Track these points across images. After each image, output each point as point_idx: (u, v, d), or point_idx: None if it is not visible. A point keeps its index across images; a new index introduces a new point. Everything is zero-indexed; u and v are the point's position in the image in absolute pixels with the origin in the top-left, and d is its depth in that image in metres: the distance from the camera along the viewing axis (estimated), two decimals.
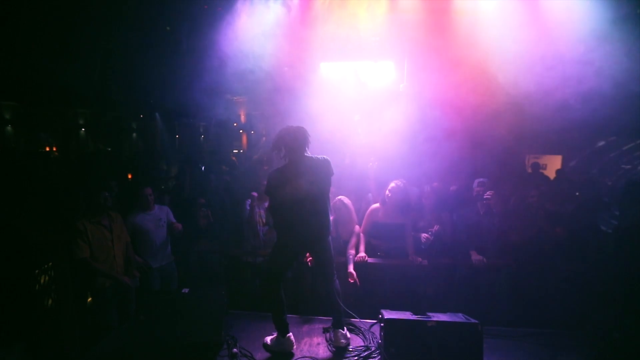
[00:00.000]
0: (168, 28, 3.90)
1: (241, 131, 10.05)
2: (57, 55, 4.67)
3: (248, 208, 4.08)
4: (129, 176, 7.14)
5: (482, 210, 3.67)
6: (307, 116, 5.25)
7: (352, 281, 3.20)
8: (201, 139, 13.17)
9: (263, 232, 4.10)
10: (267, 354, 2.71)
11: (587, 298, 3.18)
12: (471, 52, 3.72)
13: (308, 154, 2.64)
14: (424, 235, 3.62)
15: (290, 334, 2.76)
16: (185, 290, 2.88)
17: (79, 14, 4.10)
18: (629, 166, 6.43)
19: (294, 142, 2.58)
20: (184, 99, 5.86)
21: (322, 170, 2.63)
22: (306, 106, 5.24)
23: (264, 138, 10.67)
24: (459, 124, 4.42)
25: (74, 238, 3.02)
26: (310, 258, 3.35)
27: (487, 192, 3.64)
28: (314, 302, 3.49)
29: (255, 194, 4.11)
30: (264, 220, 4.05)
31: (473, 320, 2.48)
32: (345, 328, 2.82)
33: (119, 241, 3.27)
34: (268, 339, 2.80)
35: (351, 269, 3.25)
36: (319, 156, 2.67)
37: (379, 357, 2.61)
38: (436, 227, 3.68)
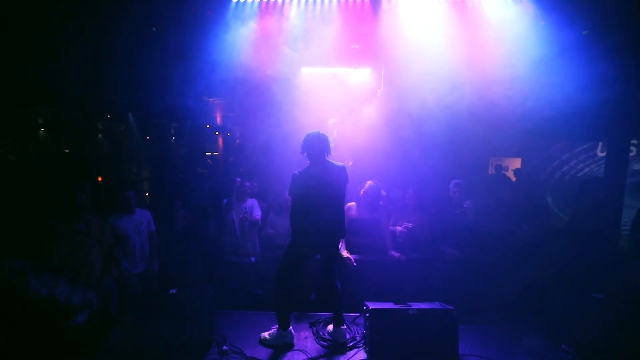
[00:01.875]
0: (154, 29, 3.84)
1: (217, 133, 9.89)
2: (19, 49, 4.40)
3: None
4: (99, 179, 6.86)
5: (458, 210, 3.97)
6: (285, 119, 5.37)
7: (354, 264, 3.44)
8: (172, 140, 12.80)
9: (241, 231, 4.14)
10: (257, 349, 2.78)
11: (547, 285, 3.55)
12: (443, 64, 4.04)
13: (328, 159, 2.84)
14: (398, 228, 3.85)
15: (292, 327, 2.86)
16: (173, 290, 2.88)
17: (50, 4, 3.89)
18: (580, 166, 7.17)
19: (315, 146, 2.77)
20: (162, 100, 5.74)
21: (340, 176, 2.83)
22: (285, 109, 5.35)
23: (237, 140, 10.58)
24: (433, 128, 4.74)
25: (43, 245, 2.90)
26: None
27: (466, 203, 3.96)
28: (298, 299, 3.58)
29: (238, 179, 4.18)
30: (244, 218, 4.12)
31: (449, 307, 2.70)
32: (345, 325, 2.96)
33: (99, 246, 3.16)
34: (265, 334, 2.87)
35: (346, 254, 3.48)
36: (337, 163, 2.86)
37: (364, 345, 2.77)
38: (410, 224, 3.93)
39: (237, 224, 4.15)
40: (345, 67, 5.00)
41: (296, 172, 2.84)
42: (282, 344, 2.80)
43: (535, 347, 2.81)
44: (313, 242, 2.83)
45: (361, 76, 5.11)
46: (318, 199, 2.72)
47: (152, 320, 2.69)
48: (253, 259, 4.25)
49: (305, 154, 2.83)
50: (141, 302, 2.78)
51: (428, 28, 3.99)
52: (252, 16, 4.02)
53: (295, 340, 2.90)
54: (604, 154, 6.88)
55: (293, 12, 4.05)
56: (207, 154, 10.89)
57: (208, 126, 10.67)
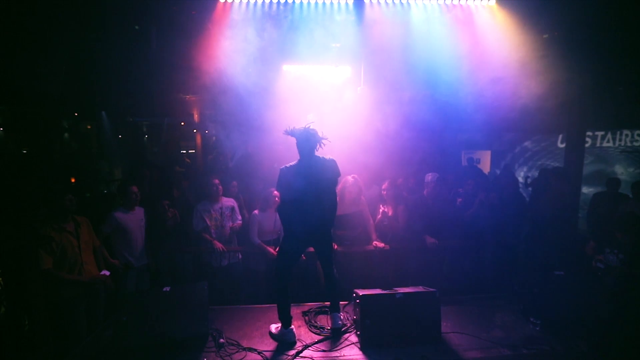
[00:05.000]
0: (137, 27, 3.73)
1: (195, 130, 9.71)
2: None
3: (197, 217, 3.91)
4: (72, 180, 6.60)
5: (431, 200, 4.22)
6: (263, 115, 5.42)
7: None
8: (145, 138, 12.40)
9: (217, 234, 3.95)
10: (253, 341, 2.88)
11: (513, 266, 3.91)
12: (419, 64, 4.27)
13: (317, 154, 2.88)
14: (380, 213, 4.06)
15: (293, 326, 2.94)
16: (167, 288, 2.91)
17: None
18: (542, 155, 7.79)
19: (306, 141, 2.81)
20: (137, 97, 5.60)
21: (328, 169, 2.87)
22: (265, 106, 5.40)
23: (214, 138, 10.45)
24: (409, 123, 4.99)
25: (36, 247, 2.85)
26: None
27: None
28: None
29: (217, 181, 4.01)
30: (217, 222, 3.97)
31: (432, 289, 2.93)
32: (341, 311, 3.10)
33: (87, 247, 3.15)
34: (273, 327, 2.97)
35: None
36: (326, 156, 2.91)
37: (355, 330, 2.95)
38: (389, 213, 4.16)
39: (212, 230, 3.94)
40: (326, 65, 5.11)
41: (283, 166, 2.89)
42: (284, 341, 2.86)
43: (507, 322, 3.11)
44: (304, 235, 2.89)
45: (342, 74, 5.25)
46: (307, 193, 2.78)
47: (148, 317, 2.71)
48: (230, 261, 4.10)
49: (296, 148, 2.87)
50: (136, 300, 2.80)
51: (406, 28, 4.18)
52: (238, 18, 4.01)
53: None
54: (563, 145, 7.50)
55: (277, 13, 4.10)
56: (182, 152, 10.68)
57: (182, 123, 10.46)
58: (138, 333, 2.67)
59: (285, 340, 2.85)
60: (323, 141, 2.87)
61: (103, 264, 3.31)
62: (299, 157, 2.90)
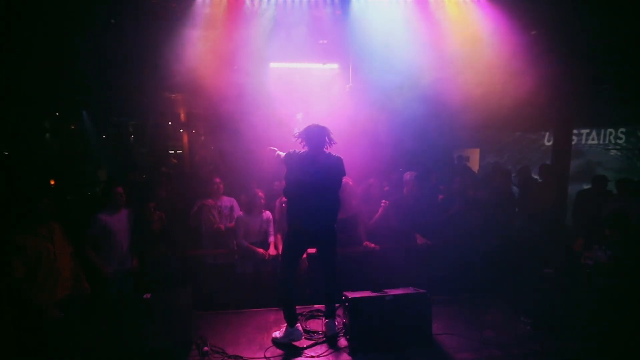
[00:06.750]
0: (113, 20, 3.55)
1: (182, 130, 9.47)
2: None
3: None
4: (52, 182, 6.36)
5: (412, 198, 4.17)
6: (249, 115, 5.30)
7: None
8: (131, 139, 12.09)
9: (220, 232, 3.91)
10: (240, 347, 2.78)
11: (502, 267, 3.89)
12: (409, 60, 4.22)
13: (326, 151, 2.85)
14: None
15: (299, 324, 2.88)
16: (147, 295, 2.78)
17: None
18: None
19: (316, 136, 2.79)
20: (119, 96, 5.40)
21: (335, 166, 2.85)
22: (252, 104, 5.29)
23: (202, 137, 10.24)
24: (398, 121, 4.94)
25: (6, 255, 2.67)
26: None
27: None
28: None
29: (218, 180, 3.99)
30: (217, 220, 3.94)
31: (422, 291, 2.88)
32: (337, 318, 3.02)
33: (63, 252, 2.99)
34: (276, 333, 2.88)
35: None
36: (334, 154, 2.88)
37: (345, 333, 2.88)
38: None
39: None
40: (313, 62, 5.02)
41: (292, 150, 2.86)
42: (291, 341, 2.81)
43: (498, 322, 3.09)
44: (307, 228, 2.83)
45: (329, 71, 5.16)
46: (314, 185, 2.75)
47: (128, 327, 2.59)
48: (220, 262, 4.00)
49: (302, 141, 2.84)
50: (117, 308, 2.67)
51: (395, 24, 4.11)
52: (219, 14, 3.86)
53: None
54: (550, 143, 7.59)
55: (261, 9, 3.98)
56: (170, 152, 10.44)
57: (170, 123, 10.22)
58: (117, 343, 2.55)
59: (292, 340, 2.82)
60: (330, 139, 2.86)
61: (81, 270, 3.14)
62: (307, 149, 2.85)
